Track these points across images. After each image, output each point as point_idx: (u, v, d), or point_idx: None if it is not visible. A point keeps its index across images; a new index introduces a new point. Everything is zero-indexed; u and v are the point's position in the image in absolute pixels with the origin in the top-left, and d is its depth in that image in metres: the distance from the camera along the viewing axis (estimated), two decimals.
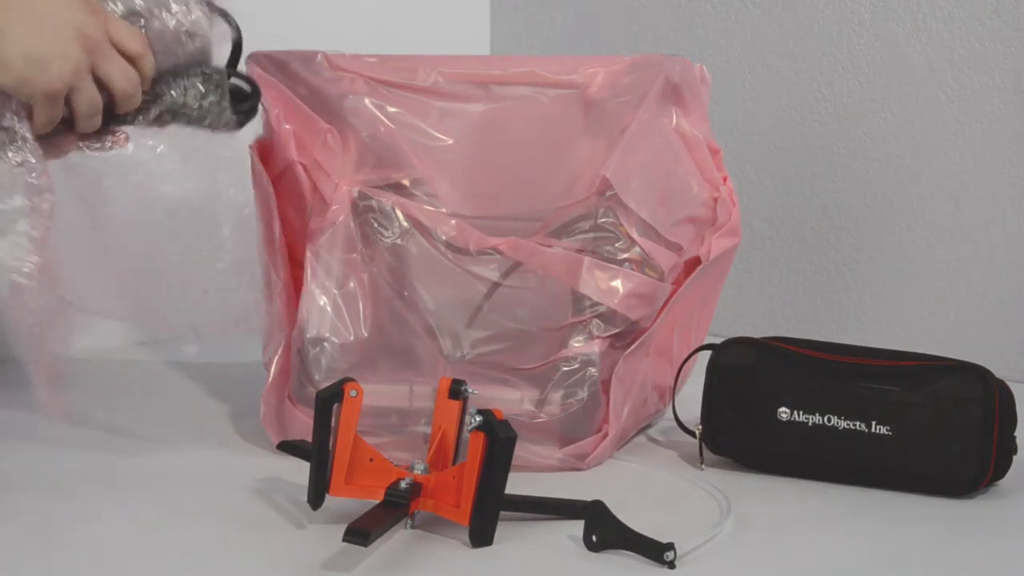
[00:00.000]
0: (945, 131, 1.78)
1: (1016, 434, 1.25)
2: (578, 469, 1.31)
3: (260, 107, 1.33)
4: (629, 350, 1.32)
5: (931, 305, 1.81)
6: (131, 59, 1.14)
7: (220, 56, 1.25)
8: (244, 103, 1.26)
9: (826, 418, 1.26)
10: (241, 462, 1.32)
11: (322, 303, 1.33)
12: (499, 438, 1.07)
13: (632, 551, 1.07)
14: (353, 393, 1.10)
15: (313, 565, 1.05)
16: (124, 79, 1.14)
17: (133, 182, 1.26)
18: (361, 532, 1.03)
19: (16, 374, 1.14)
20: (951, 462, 1.23)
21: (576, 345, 1.31)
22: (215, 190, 1.30)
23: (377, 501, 1.11)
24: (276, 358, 1.35)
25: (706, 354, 1.34)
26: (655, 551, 1.05)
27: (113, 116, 1.18)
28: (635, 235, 1.32)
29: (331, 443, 1.11)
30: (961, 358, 1.26)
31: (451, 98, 1.35)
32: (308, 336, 1.32)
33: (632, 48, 2.07)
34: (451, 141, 1.35)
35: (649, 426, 1.47)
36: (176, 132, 1.21)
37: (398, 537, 1.11)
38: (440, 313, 1.33)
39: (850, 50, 1.86)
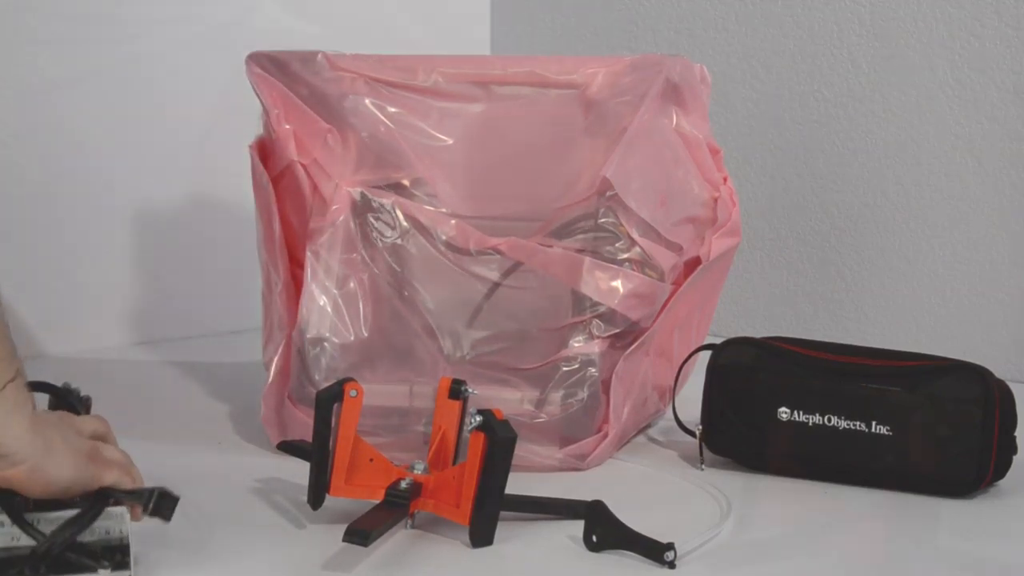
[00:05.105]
0: (945, 131, 1.78)
1: (1016, 434, 1.25)
2: (578, 469, 1.31)
3: (261, 108, 1.32)
4: (629, 350, 1.32)
5: (931, 305, 1.81)
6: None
7: None
8: None
9: (826, 418, 1.26)
10: (241, 462, 1.32)
11: (322, 303, 1.33)
12: (499, 438, 1.07)
13: (632, 551, 1.07)
14: (353, 393, 1.10)
15: (313, 565, 1.05)
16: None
17: None
18: (361, 532, 1.03)
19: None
20: (951, 462, 1.23)
21: (576, 345, 1.31)
22: None
23: (377, 501, 1.11)
24: (276, 358, 1.35)
25: (706, 354, 1.34)
26: (655, 551, 1.05)
27: None
28: (635, 235, 1.32)
29: (331, 443, 1.11)
30: (961, 358, 1.26)
31: (451, 98, 1.35)
32: (308, 336, 1.32)
33: (632, 48, 2.07)
34: (451, 141, 1.35)
35: (649, 426, 1.47)
36: None
37: (398, 537, 1.11)
38: (440, 313, 1.33)
39: (850, 50, 1.86)
